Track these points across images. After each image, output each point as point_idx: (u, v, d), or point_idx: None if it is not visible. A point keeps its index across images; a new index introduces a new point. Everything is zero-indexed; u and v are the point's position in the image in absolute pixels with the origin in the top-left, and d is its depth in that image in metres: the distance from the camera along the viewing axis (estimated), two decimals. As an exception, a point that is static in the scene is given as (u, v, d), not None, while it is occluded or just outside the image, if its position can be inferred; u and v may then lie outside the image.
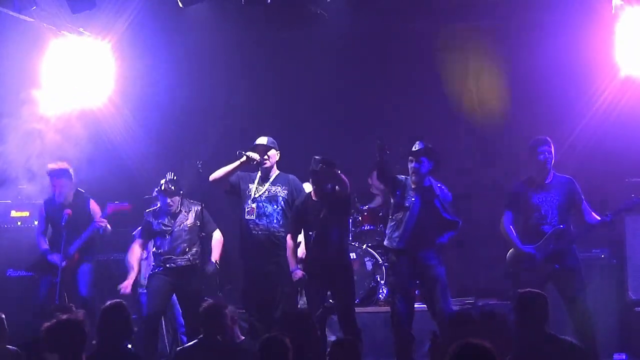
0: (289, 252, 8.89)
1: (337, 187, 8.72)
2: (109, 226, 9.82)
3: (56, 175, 9.75)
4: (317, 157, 8.72)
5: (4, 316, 7.35)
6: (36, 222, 10.22)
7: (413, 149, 8.62)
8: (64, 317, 6.03)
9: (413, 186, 8.63)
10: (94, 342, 6.72)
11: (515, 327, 6.54)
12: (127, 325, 6.75)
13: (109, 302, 6.84)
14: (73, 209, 9.68)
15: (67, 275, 9.53)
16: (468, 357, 4.43)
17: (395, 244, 8.56)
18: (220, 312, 7.33)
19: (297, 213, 8.94)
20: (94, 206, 9.93)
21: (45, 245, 9.78)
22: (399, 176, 8.73)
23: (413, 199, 8.55)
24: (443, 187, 8.68)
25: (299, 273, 8.79)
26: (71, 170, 9.82)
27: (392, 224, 8.66)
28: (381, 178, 8.81)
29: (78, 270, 9.70)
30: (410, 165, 8.61)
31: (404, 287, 8.55)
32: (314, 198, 8.88)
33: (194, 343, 7.46)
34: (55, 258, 9.58)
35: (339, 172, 8.63)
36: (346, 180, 8.68)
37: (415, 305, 8.74)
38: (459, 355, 4.45)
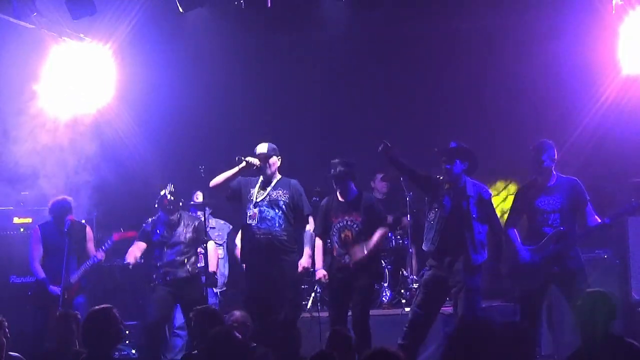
0: (316, 252, 9.02)
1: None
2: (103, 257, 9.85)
3: (57, 209, 9.76)
4: (334, 160, 8.89)
5: (6, 323, 7.36)
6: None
7: (445, 148, 8.53)
8: None
9: (446, 186, 8.47)
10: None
11: (579, 327, 6.43)
12: (117, 332, 6.42)
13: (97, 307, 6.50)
14: (71, 236, 9.60)
15: (66, 305, 9.34)
16: None
17: (428, 246, 8.46)
18: (214, 316, 7.23)
19: (322, 214, 9.07)
20: (89, 233, 9.97)
21: (42, 274, 9.70)
22: (433, 176, 8.60)
23: (444, 201, 8.42)
24: (480, 186, 8.52)
25: (319, 273, 8.97)
26: (71, 201, 9.86)
27: (427, 225, 8.58)
28: (409, 181, 8.77)
29: (75, 302, 9.57)
30: (443, 166, 8.46)
31: (428, 291, 8.44)
32: (340, 199, 8.99)
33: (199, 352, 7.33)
34: (56, 289, 9.50)
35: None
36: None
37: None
38: None
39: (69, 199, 9.89)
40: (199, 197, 10.36)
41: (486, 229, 8.41)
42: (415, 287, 10.39)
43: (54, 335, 7.72)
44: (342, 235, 8.89)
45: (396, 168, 8.68)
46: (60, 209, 9.77)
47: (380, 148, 8.40)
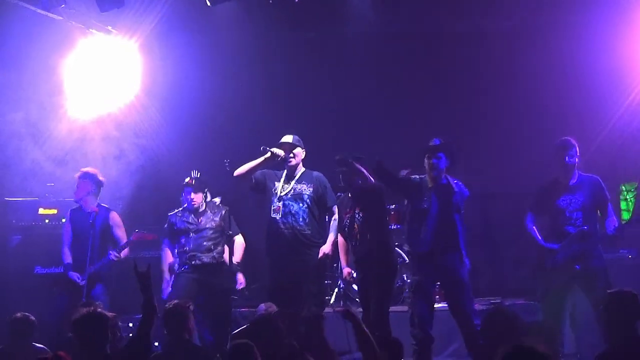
0: (340, 251, 9.11)
1: (360, 181, 8.68)
2: (121, 256, 9.71)
3: (86, 178, 9.73)
4: (336, 157, 8.67)
5: (32, 317, 7.43)
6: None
7: (430, 144, 8.47)
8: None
9: (430, 185, 8.40)
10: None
11: (605, 326, 6.41)
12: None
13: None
14: (95, 228, 9.52)
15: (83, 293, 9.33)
16: None
17: (420, 249, 8.37)
18: (183, 312, 7.17)
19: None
20: (114, 219, 9.87)
21: (68, 259, 9.66)
22: (412, 177, 8.52)
23: (431, 200, 8.33)
24: (460, 183, 8.44)
25: (345, 271, 9.10)
26: (100, 177, 9.83)
27: (415, 226, 8.43)
28: (396, 190, 8.70)
29: (93, 293, 9.42)
30: (428, 162, 8.37)
31: (425, 289, 8.38)
32: (350, 196, 8.99)
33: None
34: (74, 276, 9.48)
35: (357, 165, 8.52)
36: (364, 170, 8.55)
37: (436, 305, 8.68)
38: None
39: (95, 172, 9.80)
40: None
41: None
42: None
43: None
44: (358, 231, 8.86)
45: (386, 181, 8.54)
46: (84, 179, 9.72)
47: (374, 168, 8.32)
